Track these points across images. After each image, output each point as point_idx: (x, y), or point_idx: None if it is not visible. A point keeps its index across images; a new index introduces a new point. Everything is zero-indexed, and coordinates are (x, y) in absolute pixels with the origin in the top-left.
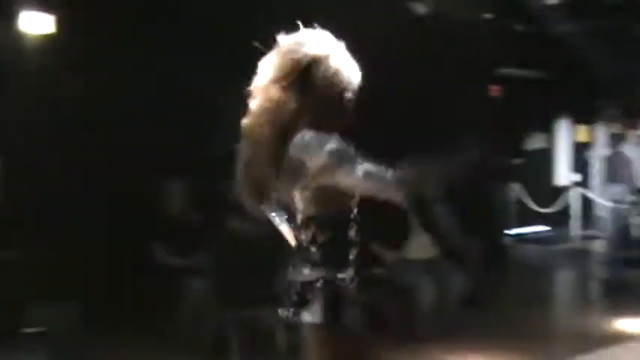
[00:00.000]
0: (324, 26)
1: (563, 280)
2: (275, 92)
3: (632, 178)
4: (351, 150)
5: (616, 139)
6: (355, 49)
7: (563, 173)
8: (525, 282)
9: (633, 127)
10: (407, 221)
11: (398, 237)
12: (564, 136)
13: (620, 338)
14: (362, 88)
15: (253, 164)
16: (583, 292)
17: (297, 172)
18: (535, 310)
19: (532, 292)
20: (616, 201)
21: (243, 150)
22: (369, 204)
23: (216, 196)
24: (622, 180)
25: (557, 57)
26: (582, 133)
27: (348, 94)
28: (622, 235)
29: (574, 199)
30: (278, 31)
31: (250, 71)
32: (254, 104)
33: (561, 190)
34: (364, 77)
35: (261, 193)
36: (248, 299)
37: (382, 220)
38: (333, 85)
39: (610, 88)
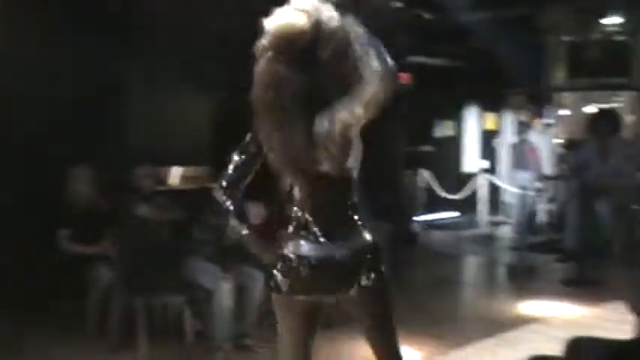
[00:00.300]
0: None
1: (471, 265)
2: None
3: (538, 165)
4: None
5: (523, 127)
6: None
7: (472, 160)
8: (434, 267)
9: (539, 115)
10: None
11: None
12: (472, 124)
13: (524, 321)
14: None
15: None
16: (490, 277)
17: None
18: (443, 294)
19: (440, 278)
20: (522, 187)
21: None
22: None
23: (123, 183)
24: (528, 167)
25: (465, 46)
26: (490, 121)
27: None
28: (528, 221)
29: (482, 185)
30: None
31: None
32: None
33: (469, 177)
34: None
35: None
36: (155, 285)
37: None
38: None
39: (516, 76)
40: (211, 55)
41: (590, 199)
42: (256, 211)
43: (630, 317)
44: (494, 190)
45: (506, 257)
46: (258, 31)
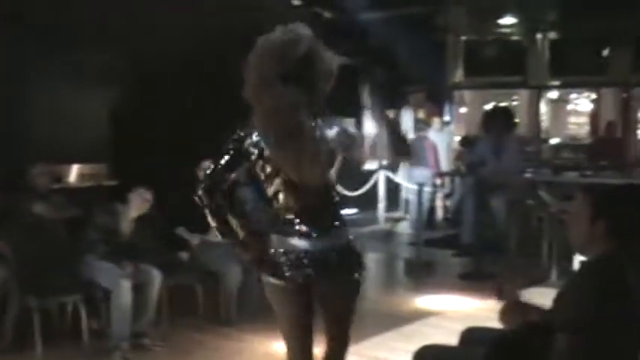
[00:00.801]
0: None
1: (370, 261)
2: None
3: (436, 162)
4: None
5: (422, 125)
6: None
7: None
8: None
9: (438, 113)
10: None
11: (203, 220)
12: (371, 122)
13: (422, 315)
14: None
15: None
16: (389, 273)
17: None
18: None
19: None
20: (420, 184)
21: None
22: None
23: (18, 181)
24: (426, 164)
25: (364, 44)
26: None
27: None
28: (426, 217)
29: (381, 182)
30: None
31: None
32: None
33: (369, 174)
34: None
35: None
36: (51, 285)
37: (188, 204)
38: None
39: (416, 75)
40: (111, 50)
41: (486, 194)
42: None
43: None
44: (393, 186)
45: (404, 253)
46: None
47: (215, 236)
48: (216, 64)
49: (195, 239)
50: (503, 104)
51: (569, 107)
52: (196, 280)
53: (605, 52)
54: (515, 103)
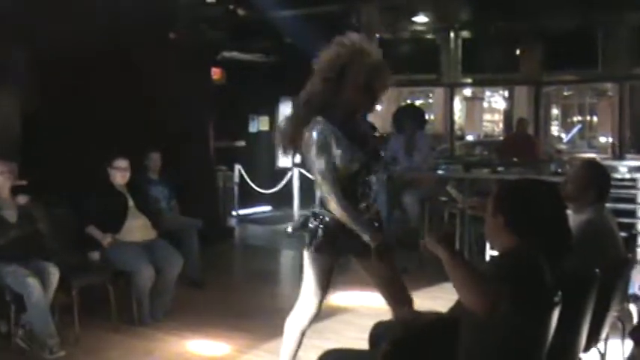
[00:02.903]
0: None
1: (285, 258)
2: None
3: None
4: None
5: None
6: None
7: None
8: (248, 261)
9: None
10: (123, 203)
11: (114, 219)
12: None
13: (336, 311)
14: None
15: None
16: (303, 269)
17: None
18: (257, 288)
19: (255, 271)
20: None
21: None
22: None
23: None
24: None
25: (279, 41)
26: None
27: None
28: None
29: (295, 179)
30: None
31: None
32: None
33: (283, 171)
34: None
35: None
36: None
37: (99, 203)
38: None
39: None
40: (19, 45)
41: (398, 191)
42: None
43: (436, 302)
44: (308, 184)
45: None
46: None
47: (126, 235)
48: (129, 59)
49: (106, 239)
50: (418, 102)
51: (484, 105)
52: (108, 279)
53: (517, 51)
54: (430, 100)
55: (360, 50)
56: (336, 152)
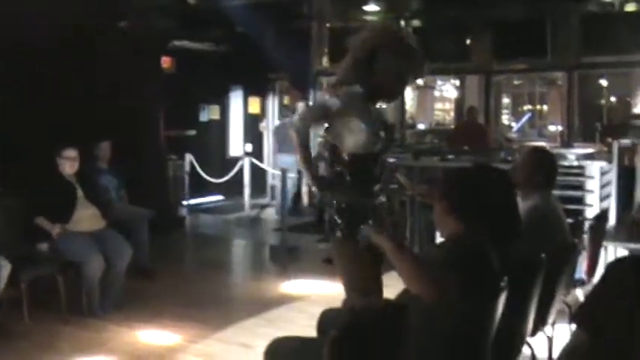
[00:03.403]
0: None
1: (237, 247)
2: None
3: None
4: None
5: (287, 111)
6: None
7: (236, 144)
8: (200, 251)
9: (303, 99)
10: (72, 193)
11: (63, 210)
12: (237, 108)
13: (287, 300)
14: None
15: None
16: (255, 259)
17: None
18: (209, 278)
19: (206, 261)
20: (285, 170)
21: None
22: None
23: None
24: (290, 150)
25: (229, 30)
26: (255, 105)
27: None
28: (291, 203)
29: (247, 169)
30: None
31: None
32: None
33: (234, 161)
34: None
35: None
36: None
37: (48, 193)
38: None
39: (281, 61)
40: None
41: None
42: None
43: (385, 290)
44: (259, 173)
45: (270, 239)
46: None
47: (75, 225)
48: (78, 48)
49: (55, 229)
50: None
51: (436, 93)
52: (57, 271)
53: (468, 40)
54: None
55: (394, 34)
56: (360, 127)
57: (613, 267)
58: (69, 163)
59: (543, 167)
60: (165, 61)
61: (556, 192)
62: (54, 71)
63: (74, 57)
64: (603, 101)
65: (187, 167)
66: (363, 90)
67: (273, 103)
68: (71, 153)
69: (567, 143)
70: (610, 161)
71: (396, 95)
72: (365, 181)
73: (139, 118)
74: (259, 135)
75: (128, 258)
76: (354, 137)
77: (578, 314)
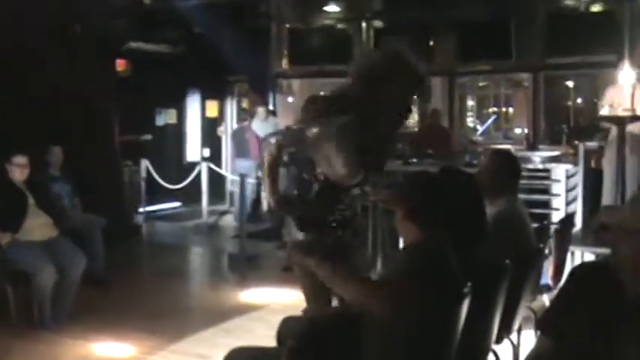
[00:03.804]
0: None
1: (194, 255)
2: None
3: (260, 153)
4: None
5: (244, 114)
6: None
7: (194, 149)
8: (157, 260)
9: (262, 102)
10: (23, 201)
11: (13, 218)
12: (195, 112)
13: (246, 309)
14: None
15: None
16: (213, 267)
17: None
18: (166, 287)
19: (163, 270)
20: (243, 175)
21: None
22: None
23: None
24: (249, 155)
25: (186, 32)
26: (212, 109)
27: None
28: (250, 210)
29: (204, 174)
30: None
31: None
32: None
33: (192, 166)
34: None
35: None
36: None
37: None
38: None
39: (239, 63)
40: None
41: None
42: None
43: None
44: (218, 179)
45: (228, 246)
46: None
47: (26, 234)
48: (30, 51)
49: (4, 238)
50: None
51: None
52: (7, 281)
53: (431, 42)
54: None
55: (407, 63)
56: (340, 162)
57: (576, 272)
58: (19, 170)
59: (506, 171)
60: (120, 64)
61: (522, 196)
62: (4, 74)
63: (27, 61)
64: (570, 103)
65: (143, 173)
66: (356, 119)
67: (231, 107)
68: (21, 159)
69: (533, 146)
70: (576, 164)
71: (397, 127)
72: (330, 201)
73: (92, 122)
74: (217, 139)
75: (82, 267)
76: (331, 169)
77: (542, 320)
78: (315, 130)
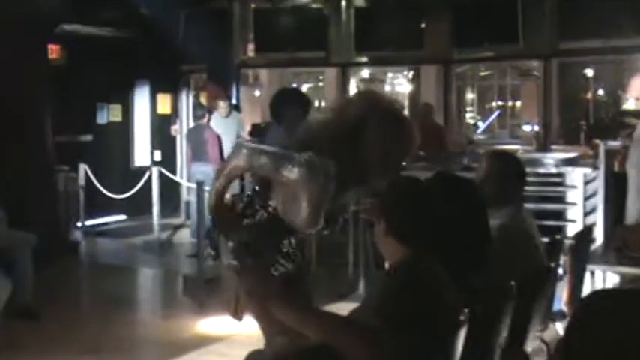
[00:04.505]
0: None
1: (143, 277)
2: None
3: (221, 156)
4: None
5: (202, 111)
6: None
7: (143, 151)
8: (98, 282)
9: (223, 96)
10: None
11: None
12: (143, 108)
13: (204, 341)
14: None
15: None
16: (165, 292)
17: None
18: (109, 315)
19: (105, 294)
20: (200, 183)
21: None
22: None
23: None
24: (207, 159)
25: (132, 12)
26: (164, 104)
27: None
28: (210, 224)
29: (155, 182)
30: None
31: None
32: None
33: (140, 172)
34: None
35: None
36: None
37: None
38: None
39: (196, 50)
40: None
41: None
42: None
43: None
44: (171, 187)
45: (184, 267)
46: None
47: None
48: None
49: None
50: (306, 86)
51: (386, 88)
52: None
53: (422, 24)
54: (321, 84)
55: (380, 104)
56: (307, 211)
57: (591, 300)
58: None
59: (509, 176)
60: (53, 50)
61: (530, 205)
62: None
63: None
64: (588, 95)
65: (82, 180)
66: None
67: (187, 102)
68: None
69: (544, 146)
70: (596, 167)
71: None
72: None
73: (20, 121)
74: (171, 140)
75: (6, 295)
76: (288, 208)
77: (555, 352)
78: (295, 173)
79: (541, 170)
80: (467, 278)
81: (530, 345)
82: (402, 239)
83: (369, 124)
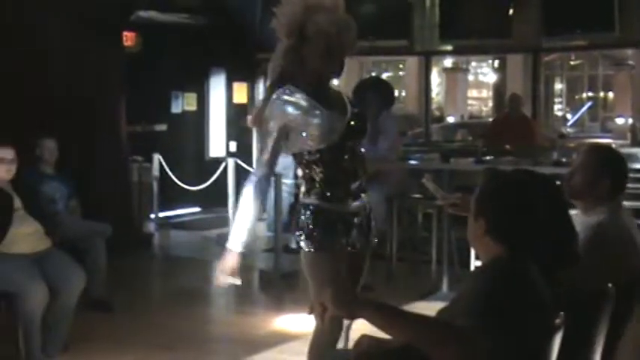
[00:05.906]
0: None
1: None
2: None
3: None
4: None
5: None
6: None
7: (218, 142)
8: (173, 276)
9: None
10: (8, 204)
11: None
12: (219, 97)
13: (281, 338)
14: None
15: None
16: (241, 287)
17: None
18: (184, 309)
19: (181, 289)
20: (280, 175)
21: None
22: None
23: None
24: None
25: (210, 1)
26: (241, 93)
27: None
28: (287, 217)
29: (231, 173)
30: None
31: None
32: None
33: (215, 163)
34: None
35: None
36: None
37: None
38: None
39: (272, 37)
40: None
41: None
42: None
43: None
44: (247, 178)
45: (260, 262)
46: None
47: (11, 246)
48: (19, 26)
49: None
50: (385, 75)
51: (470, 78)
52: None
53: (510, 11)
54: (401, 73)
55: (314, 5)
56: (311, 122)
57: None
58: (4, 167)
59: (609, 172)
60: (128, 37)
61: (627, 203)
62: None
63: (14, 38)
64: None
65: (156, 171)
66: (301, 81)
67: (263, 91)
68: (7, 154)
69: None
70: None
71: (334, 75)
72: (336, 181)
73: (94, 109)
74: (247, 131)
75: (80, 286)
76: (307, 134)
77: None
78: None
79: (636, 165)
80: (560, 280)
81: (629, 353)
82: (502, 238)
83: (309, 25)
